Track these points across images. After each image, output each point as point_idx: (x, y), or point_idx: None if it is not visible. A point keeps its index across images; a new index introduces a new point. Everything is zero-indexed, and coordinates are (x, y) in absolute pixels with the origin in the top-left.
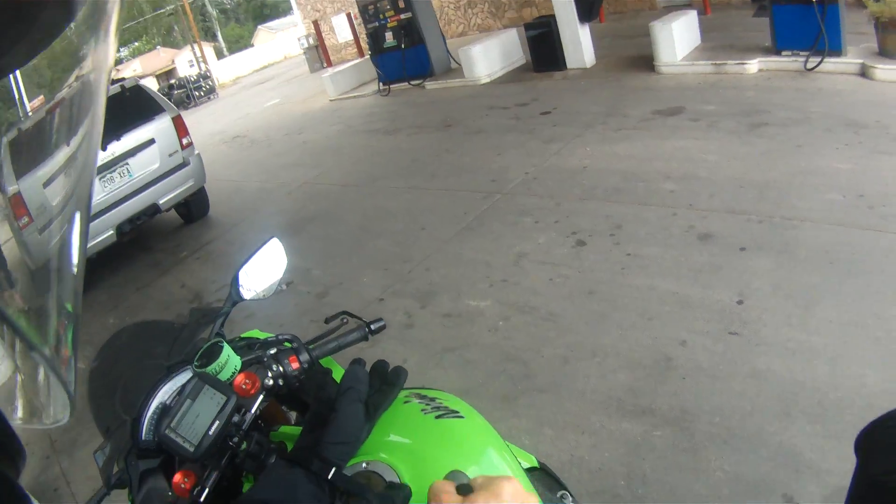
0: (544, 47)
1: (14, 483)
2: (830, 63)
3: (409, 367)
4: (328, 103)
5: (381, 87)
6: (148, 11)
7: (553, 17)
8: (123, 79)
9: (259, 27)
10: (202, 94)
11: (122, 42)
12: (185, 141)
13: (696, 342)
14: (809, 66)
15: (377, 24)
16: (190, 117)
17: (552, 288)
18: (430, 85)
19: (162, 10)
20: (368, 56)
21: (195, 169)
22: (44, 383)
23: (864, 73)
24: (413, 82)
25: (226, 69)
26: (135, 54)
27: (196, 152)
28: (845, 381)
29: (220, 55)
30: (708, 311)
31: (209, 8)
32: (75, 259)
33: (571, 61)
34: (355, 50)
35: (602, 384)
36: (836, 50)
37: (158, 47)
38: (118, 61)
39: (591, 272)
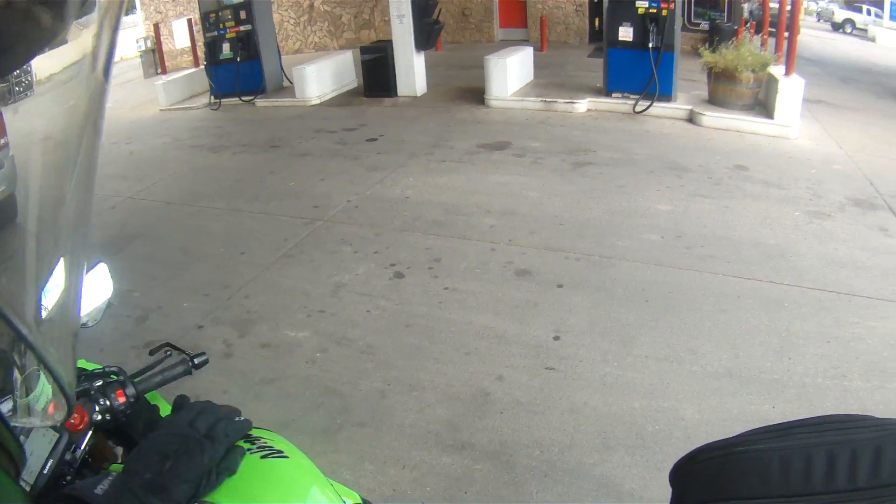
0: (378, 72)
1: (14, 483)
2: (660, 107)
3: (228, 399)
4: (159, 112)
5: (213, 100)
6: None
7: (390, 42)
8: None
9: None
10: (20, 89)
11: None
12: (1, 141)
13: (514, 377)
14: (638, 108)
15: (216, 33)
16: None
17: (370, 320)
18: (260, 102)
19: None
20: (204, 66)
21: (8, 172)
22: (42, 383)
23: (692, 118)
24: (244, 98)
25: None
26: None
27: (10, 154)
28: (662, 415)
29: None
30: (525, 347)
31: None
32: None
33: (403, 88)
34: (192, 58)
35: (421, 418)
36: (667, 95)
37: None
38: None
39: (408, 305)
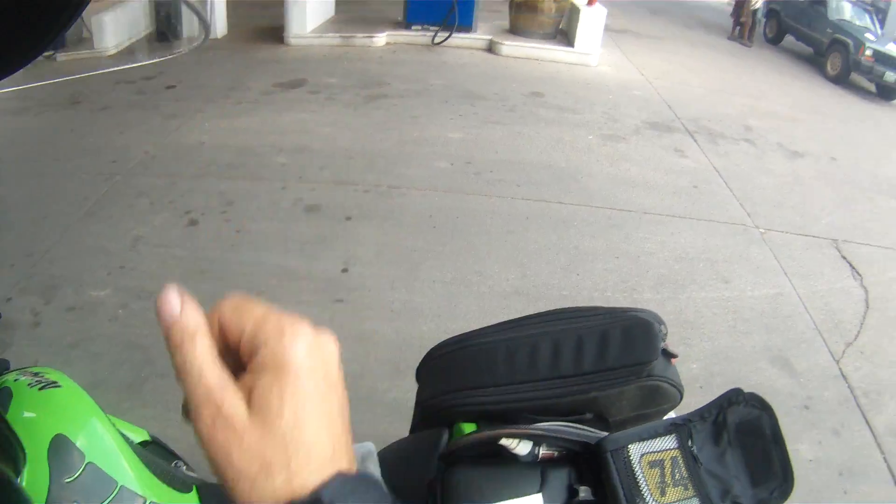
0: (174, 14)
1: (14, 483)
2: (459, 38)
3: None
4: None
5: None
6: None
7: None
8: None
9: None
10: None
11: None
12: None
13: (304, 312)
14: (437, 40)
15: None
16: None
17: (166, 270)
18: (61, 57)
19: None
20: None
21: None
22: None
23: (491, 48)
24: (45, 54)
25: None
26: None
27: None
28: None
29: None
30: (314, 282)
31: None
32: None
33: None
34: None
35: None
36: (467, 25)
37: None
38: None
39: (203, 251)
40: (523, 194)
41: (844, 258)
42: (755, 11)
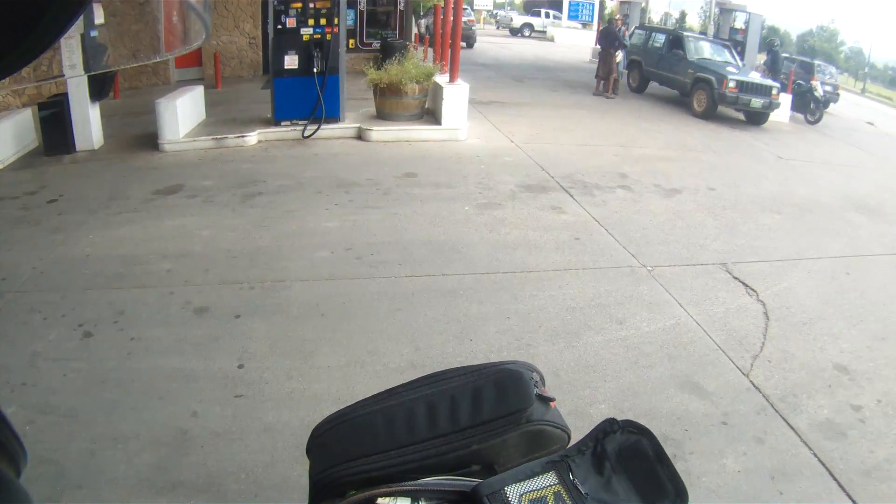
0: (55, 129)
1: (15, 483)
2: (328, 129)
3: None
4: None
5: None
6: None
7: (66, 95)
8: None
9: None
10: None
11: None
12: None
13: (207, 411)
14: (307, 133)
15: None
16: None
17: (67, 383)
18: None
19: None
20: None
21: None
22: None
23: (360, 136)
24: None
25: None
26: None
27: None
28: None
29: None
30: (212, 381)
31: None
32: None
33: (81, 143)
34: None
35: (130, 468)
36: (335, 117)
37: None
38: None
39: (100, 361)
40: (406, 272)
41: (736, 278)
42: (618, 64)
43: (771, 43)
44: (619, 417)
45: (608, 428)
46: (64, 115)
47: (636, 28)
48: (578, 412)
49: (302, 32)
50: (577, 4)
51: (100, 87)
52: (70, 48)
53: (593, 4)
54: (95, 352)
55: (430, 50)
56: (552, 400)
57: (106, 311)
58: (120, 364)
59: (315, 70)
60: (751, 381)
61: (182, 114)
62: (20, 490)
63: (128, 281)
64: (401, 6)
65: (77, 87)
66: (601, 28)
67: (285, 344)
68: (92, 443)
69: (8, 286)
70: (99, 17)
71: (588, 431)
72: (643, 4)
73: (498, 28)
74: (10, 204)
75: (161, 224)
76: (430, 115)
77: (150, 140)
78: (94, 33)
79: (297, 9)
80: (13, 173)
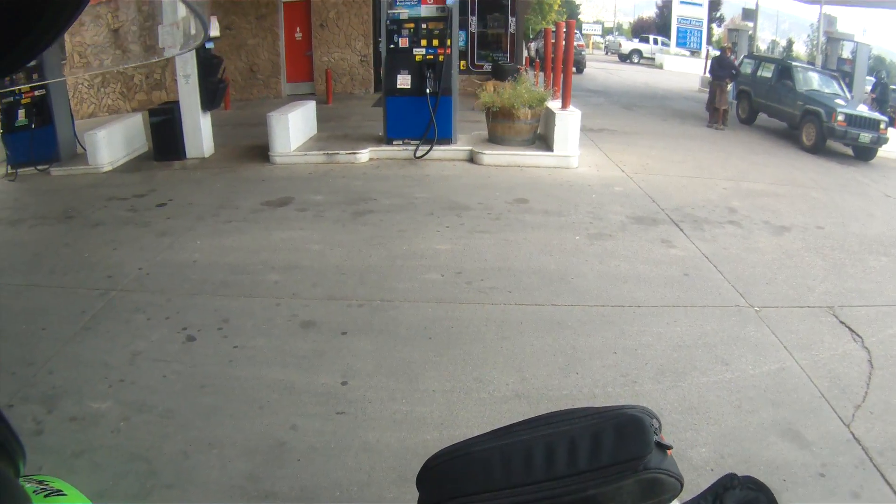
0: (166, 135)
1: (14, 483)
2: (440, 150)
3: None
4: None
5: (10, 170)
6: None
7: (177, 103)
8: None
9: None
10: None
11: None
12: None
13: (307, 425)
14: (419, 154)
15: (12, 98)
16: None
17: (167, 384)
18: (55, 171)
19: None
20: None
21: None
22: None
23: (472, 158)
24: (39, 167)
25: None
26: None
27: None
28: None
29: None
30: (314, 395)
31: None
32: None
33: (191, 150)
34: None
35: (224, 474)
36: (447, 138)
37: None
38: None
39: (201, 366)
40: (515, 300)
41: (843, 323)
42: (728, 94)
43: (878, 74)
44: (720, 463)
45: (728, 483)
46: (175, 123)
47: (745, 57)
48: (679, 455)
49: (415, 52)
50: (685, 31)
51: (211, 97)
52: (184, 59)
53: (700, 31)
54: (197, 356)
55: (540, 74)
56: (669, 448)
57: (210, 318)
58: (221, 370)
59: (428, 90)
60: (851, 433)
61: (294, 128)
62: (20, 490)
63: (234, 289)
64: (511, 29)
65: (188, 96)
66: (713, 57)
67: (391, 364)
68: (187, 445)
69: (113, 284)
70: (215, 30)
71: (692, 478)
72: (750, 32)
73: (607, 53)
74: (119, 205)
75: (270, 236)
76: (542, 140)
77: (260, 152)
78: (209, 45)
79: (409, 29)
80: (123, 175)
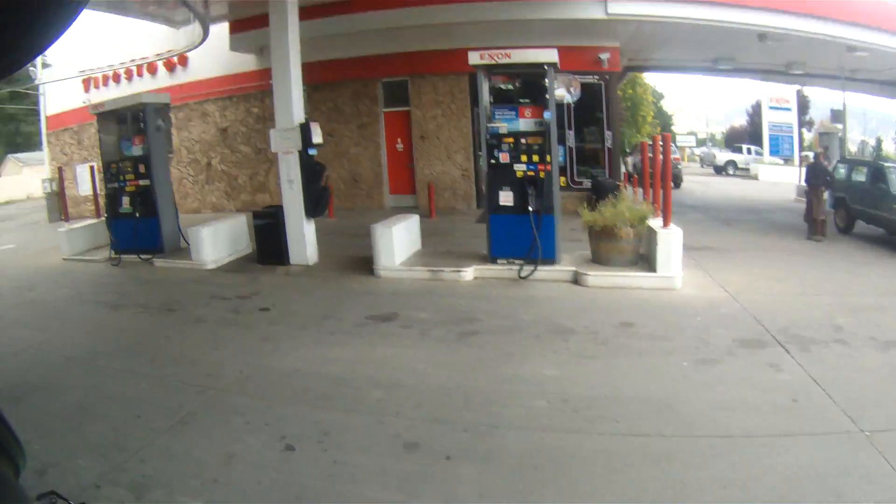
0: (270, 239)
1: (14, 483)
2: (544, 271)
3: None
4: (61, 262)
5: (113, 255)
6: None
7: (281, 207)
8: None
9: (8, 156)
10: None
11: None
12: None
13: None
14: (523, 274)
15: (117, 185)
16: None
17: (261, 491)
18: (158, 262)
19: None
20: (105, 218)
21: None
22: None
23: (576, 280)
24: (143, 256)
25: None
26: None
27: None
28: None
29: None
30: None
31: None
32: None
33: (295, 256)
34: (93, 207)
35: None
36: (550, 258)
37: None
38: None
39: (299, 478)
40: (622, 430)
41: None
42: (824, 202)
43: None
44: None
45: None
46: (279, 227)
47: (838, 162)
48: None
49: (515, 168)
50: (777, 138)
51: (315, 203)
52: (288, 163)
53: (792, 137)
54: (295, 467)
55: (639, 189)
56: None
57: (310, 429)
58: (319, 484)
59: (530, 209)
60: None
61: (398, 241)
62: (19, 490)
63: (336, 402)
64: (609, 143)
65: (293, 201)
66: (807, 165)
67: (495, 494)
68: None
69: (212, 382)
70: (318, 137)
71: None
72: (840, 134)
73: (702, 166)
74: (222, 304)
75: (374, 351)
76: (645, 260)
77: (364, 263)
78: (313, 152)
79: (509, 143)
80: (227, 275)
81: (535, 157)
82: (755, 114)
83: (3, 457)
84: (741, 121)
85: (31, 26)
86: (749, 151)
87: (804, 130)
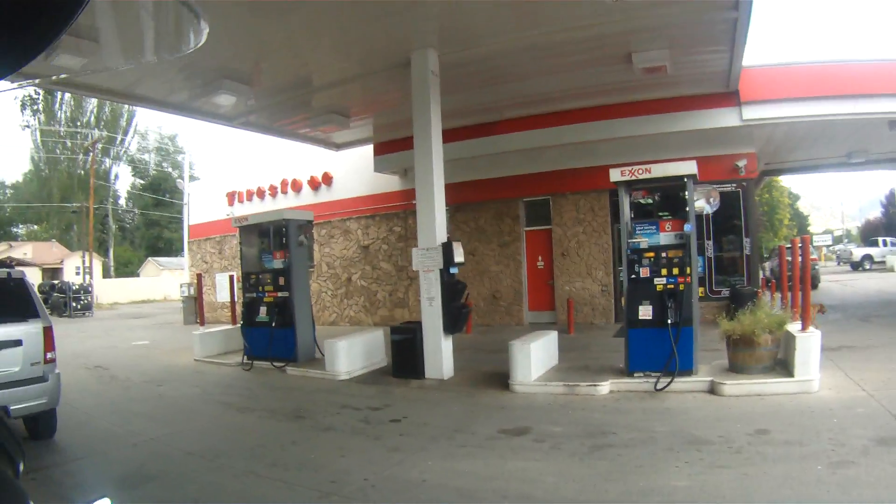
0: (406, 353)
1: (14, 482)
2: (681, 382)
3: None
4: (193, 362)
5: (245, 360)
6: (56, 199)
7: (419, 323)
8: (12, 261)
9: (149, 259)
10: (79, 306)
11: (22, 219)
12: (49, 355)
13: None
14: (660, 386)
15: (255, 295)
16: (59, 327)
17: None
18: (291, 370)
19: (69, 204)
20: (240, 325)
21: (52, 387)
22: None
23: (713, 390)
24: (276, 363)
25: (107, 290)
26: (30, 238)
27: (56, 371)
28: None
29: (106, 273)
30: None
31: (110, 221)
32: None
33: (430, 371)
34: (230, 314)
35: None
36: (688, 370)
37: (53, 241)
38: (13, 237)
39: None
40: None
41: None
42: None
43: None
44: None
45: None
46: (416, 342)
47: None
48: None
49: (655, 282)
50: None
51: (454, 320)
52: (429, 281)
53: None
54: None
55: (777, 294)
56: None
57: None
58: None
59: (669, 321)
60: None
61: (535, 357)
62: (19, 489)
63: None
64: (747, 251)
65: (432, 318)
66: None
67: None
68: None
69: (336, 489)
70: (459, 256)
71: None
72: None
73: (839, 263)
74: (352, 414)
75: (504, 464)
76: (782, 365)
77: (499, 379)
78: (454, 270)
79: (649, 258)
80: (359, 386)
81: (675, 270)
82: (890, 204)
83: (3, 457)
84: (876, 213)
85: (34, 24)
86: (885, 244)
87: None
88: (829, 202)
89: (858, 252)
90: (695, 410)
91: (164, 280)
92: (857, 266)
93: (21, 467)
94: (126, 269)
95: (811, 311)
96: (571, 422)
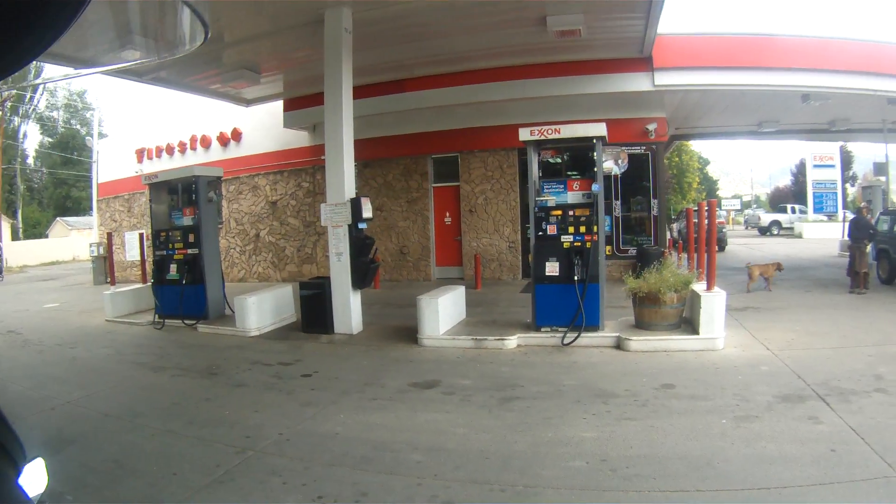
0: (315, 308)
1: (14, 482)
2: (587, 338)
3: None
4: (104, 322)
5: (157, 319)
6: None
7: (328, 278)
8: None
9: (58, 219)
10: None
11: None
12: None
13: None
14: (566, 341)
15: (165, 252)
16: None
17: None
18: (202, 328)
19: None
20: (150, 283)
21: None
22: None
23: (619, 345)
24: (187, 321)
25: (17, 253)
26: None
27: None
28: None
29: (14, 236)
30: None
31: (18, 181)
32: None
33: (340, 326)
34: (141, 273)
35: None
36: (594, 325)
37: None
38: None
39: None
40: (660, 486)
41: None
42: (867, 255)
43: None
44: None
45: None
46: (325, 297)
47: (881, 214)
48: None
49: (563, 240)
50: (821, 196)
51: (362, 276)
52: (338, 237)
53: (835, 194)
54: None
55: (684, 255)
56: None
57: (348, 490)
58: None
59: (576, 278)
60: None
61: (443, 312)
62: (19, 489)
63: (375, 465)
64: (654, 211)
65: (340, 273)
66: (850, 220)
67: None
68: None
69: (251, 444)
70: (368, 212)
71: None
72: (883, 187)
73: (746, 228)
74: (264, 370)
75: (415, 416)
76: (688, 323)
77: (408, 333)
78: (362, 226)
79: (557, 216)
80: (270, 342)
81: (582, 229)
82: (799, 173)
83: (3, 457)
84: (785, 181)
85: (32, 25)
86: (793, 211)
87: (848, 185)
88: (739, 168)
89: (767, 217)
90: (602, 365)
91: (73, 240)
92: (764, 231)
93: (22, 468)
94: (35, 230)
95: (754, 271)
96: (480, 375)
